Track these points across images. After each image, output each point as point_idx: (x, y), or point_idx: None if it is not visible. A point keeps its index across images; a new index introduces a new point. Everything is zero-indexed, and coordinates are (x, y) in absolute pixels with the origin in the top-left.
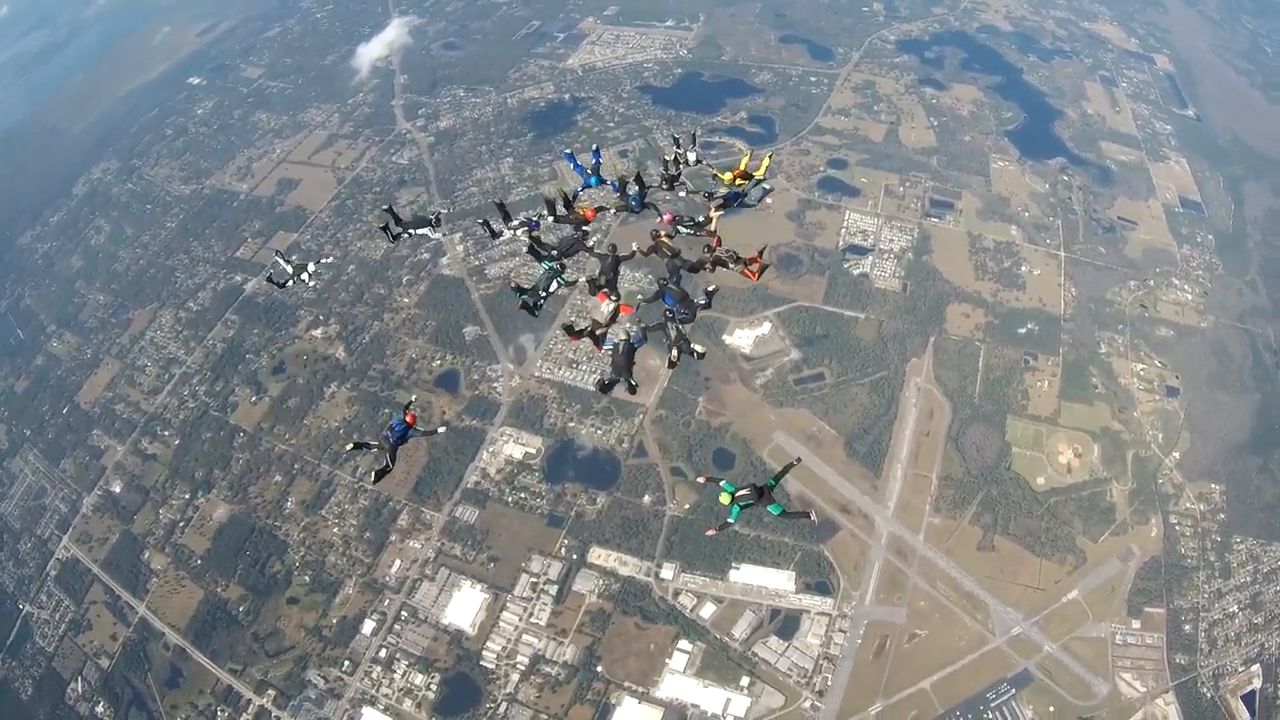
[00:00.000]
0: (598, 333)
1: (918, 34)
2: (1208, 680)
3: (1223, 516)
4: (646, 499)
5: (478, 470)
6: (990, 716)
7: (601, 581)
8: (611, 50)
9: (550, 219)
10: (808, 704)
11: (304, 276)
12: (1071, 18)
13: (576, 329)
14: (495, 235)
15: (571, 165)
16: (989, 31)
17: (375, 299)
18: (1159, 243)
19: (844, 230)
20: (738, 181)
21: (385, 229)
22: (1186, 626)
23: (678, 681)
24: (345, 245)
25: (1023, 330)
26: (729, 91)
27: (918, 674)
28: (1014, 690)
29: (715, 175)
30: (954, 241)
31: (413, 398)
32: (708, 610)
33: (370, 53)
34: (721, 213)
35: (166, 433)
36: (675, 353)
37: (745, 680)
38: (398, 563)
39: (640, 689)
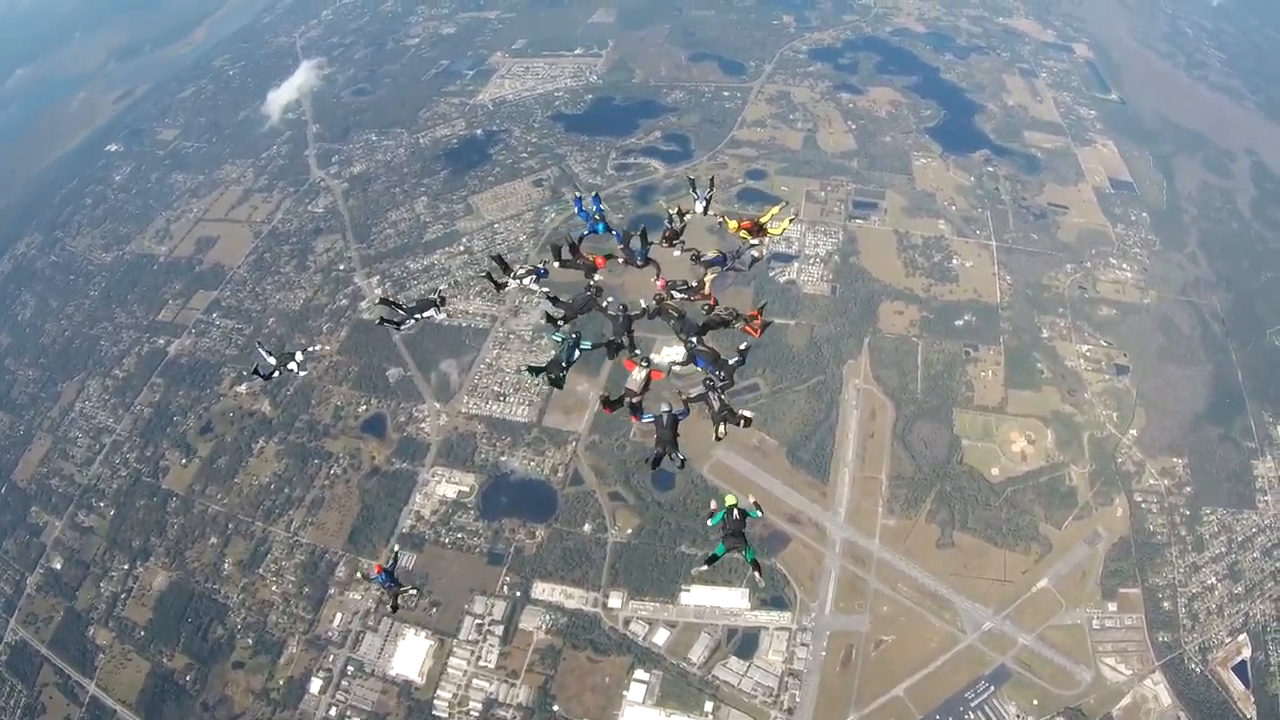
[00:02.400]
0: (633, 402)
1: (830, 42)
2: (1195, 655)
3: (1189, 489)
4: (587, 527)
5: (412, 514)
6: (971, 717)
7: (548, 616)
8: (522, 82)
9: (558, 265)
10: None
11: (291, 366)
12: (986, 15)
13: (611, 400)
14: (500, 287)
15: (577, 210)
16: (902, 34)
17: (297, 349)
18: (1092, 224)
19: (766, 239)
20: (743, 233)
21: (383, 321)
22: (1165, 604)
23: (638, 714)
24: (264, 298)
25: (960, 322)
26: (642, 113)
27: (889, 681)
28: (993, 687)
29: (722, 221)
30: (881, 241)
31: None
32: (661, 636)
33: (280, 98)
34: (714, 276)
35: (101, 504)
36: (722, 427)
37: (709, 705)
38: (339, 616)
39: None
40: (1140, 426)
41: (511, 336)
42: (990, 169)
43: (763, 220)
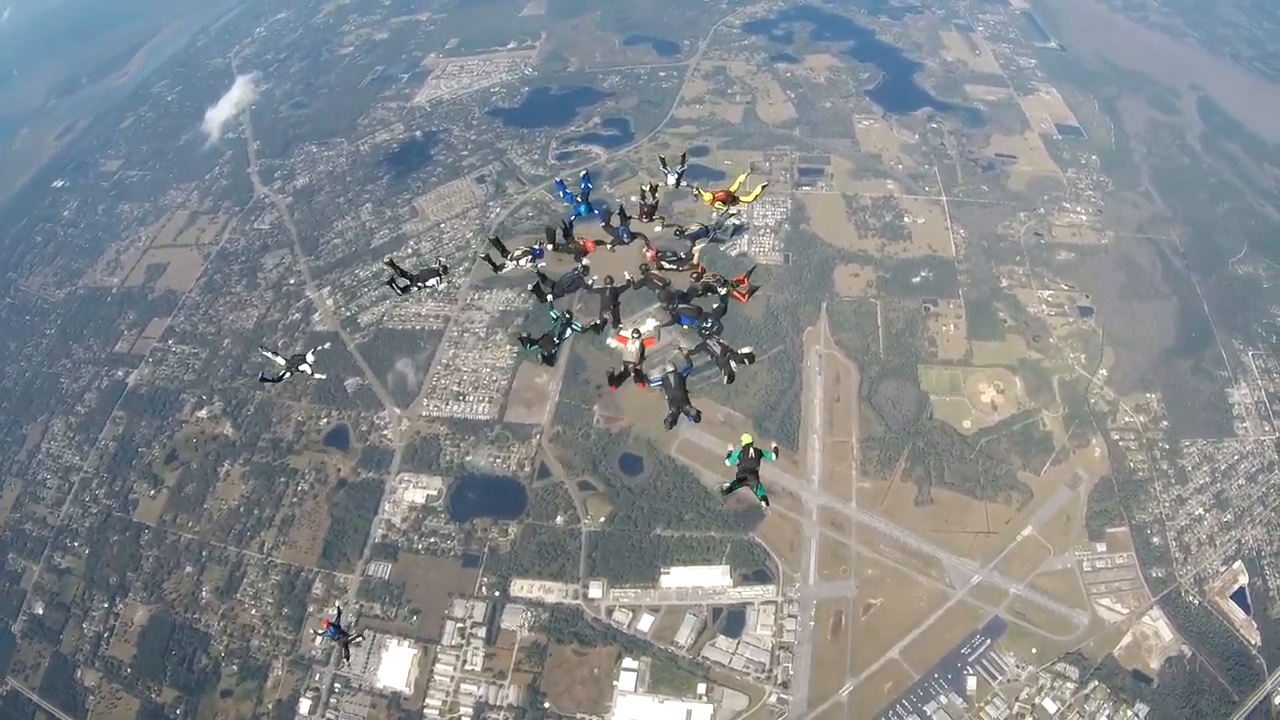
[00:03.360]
0: (636, 370)
1: (763, 14)
2: (1191, 588)
3: (1166, 423)
4: (559, 519)
5: (382, 523)
6: (970, 671)
7: (530, 613)
8: (457, 81)
9: (550, 248)
10: (773, 699)
11: (304, 368)
12: None
13: (615, 376)
14: (497, 269)
15: (561, 194)
16: (836, 1)
17: (254, 367)
18: (1042, 171)
19: (714, 214)
20: (718, 204)
21: (391, 283)
22: (1155, 539)
23: (631, 703)
24: (218, 320)
25: (916, 279)
26: (579, 100)
27: (883, 645)
28: (989, 640)
29: (697, 194)
30: (830, 206)
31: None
32: (646, 622)
33: (218, 116)
34: (700, 247)
35: (76, 543)
36: (729, 367)
37: (702, 687)
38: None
39: (593, 718)
40: (1110, 366)
41: (466, 335)
42: (934, 125)
43: (732, 189)
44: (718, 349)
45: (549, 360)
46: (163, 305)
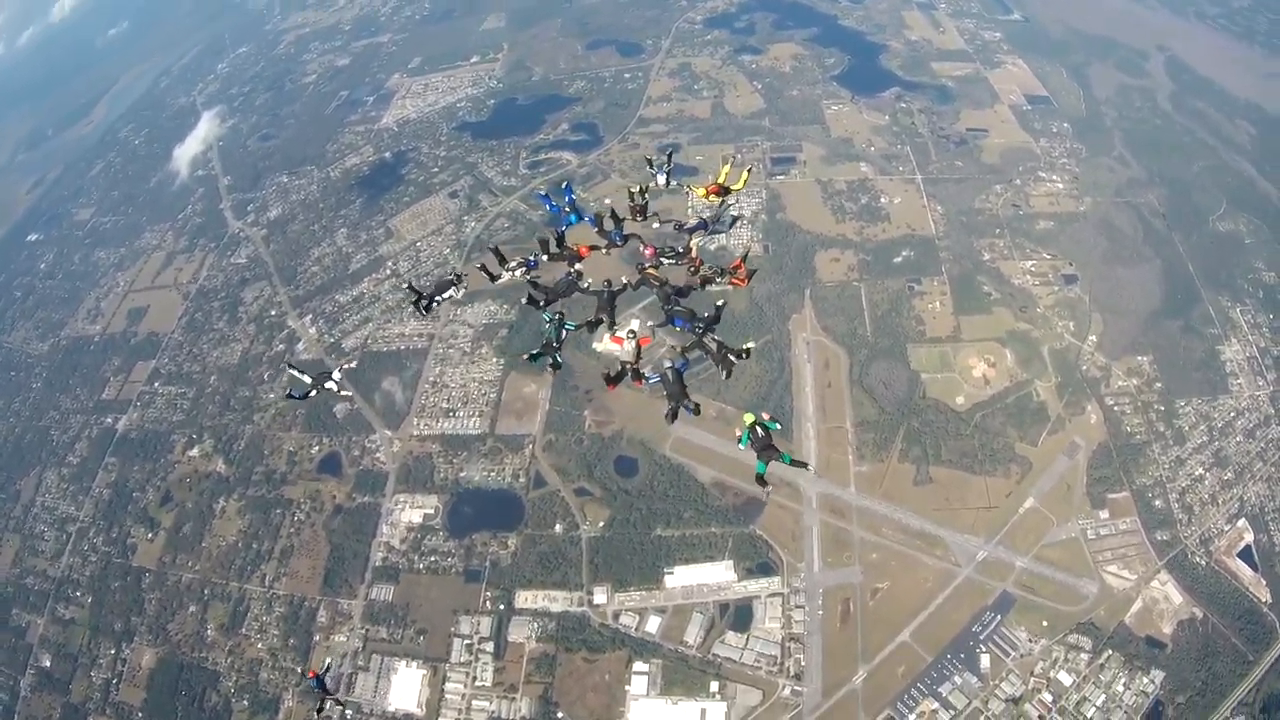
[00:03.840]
0: (633, 368)
1: (724, 8)
2: (1197, 549)
3: (1159, 385)
4: (558, 528)
5: (382, 545)
6: (983, 649)
7: (536, 624)
8: (423, 99)
9: (545, 257)
10: (787, 691)
11: (330, 385)
12: None
13: (612, 376)
14: (494, 279)
15: (547, 206)
16: None
17: (242, 402)
18: (1015, 143)
19: (690, 210)
20: (711, 197)
21: (416, 304)
22: (1157, 502)
23: (645, 706)
24: (202, 358)
25: (898, 259)
26: (546, 108)
27: (893, 629)
28: (999, 616)
29: (689, 191)
30: (805, 193)
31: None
32: (653, 624)
33: (187, 153)
34: (700, 241)
35: (78, 593)
36: (728, 362)
37: (714, 685)
38: (329, 661)
39: None
40: (1099, 331)
41: (451, 351)
42: (903, 105)
43: (722, 181)
44: (713, 345)
45: (556, 365)
46: (146, 348)
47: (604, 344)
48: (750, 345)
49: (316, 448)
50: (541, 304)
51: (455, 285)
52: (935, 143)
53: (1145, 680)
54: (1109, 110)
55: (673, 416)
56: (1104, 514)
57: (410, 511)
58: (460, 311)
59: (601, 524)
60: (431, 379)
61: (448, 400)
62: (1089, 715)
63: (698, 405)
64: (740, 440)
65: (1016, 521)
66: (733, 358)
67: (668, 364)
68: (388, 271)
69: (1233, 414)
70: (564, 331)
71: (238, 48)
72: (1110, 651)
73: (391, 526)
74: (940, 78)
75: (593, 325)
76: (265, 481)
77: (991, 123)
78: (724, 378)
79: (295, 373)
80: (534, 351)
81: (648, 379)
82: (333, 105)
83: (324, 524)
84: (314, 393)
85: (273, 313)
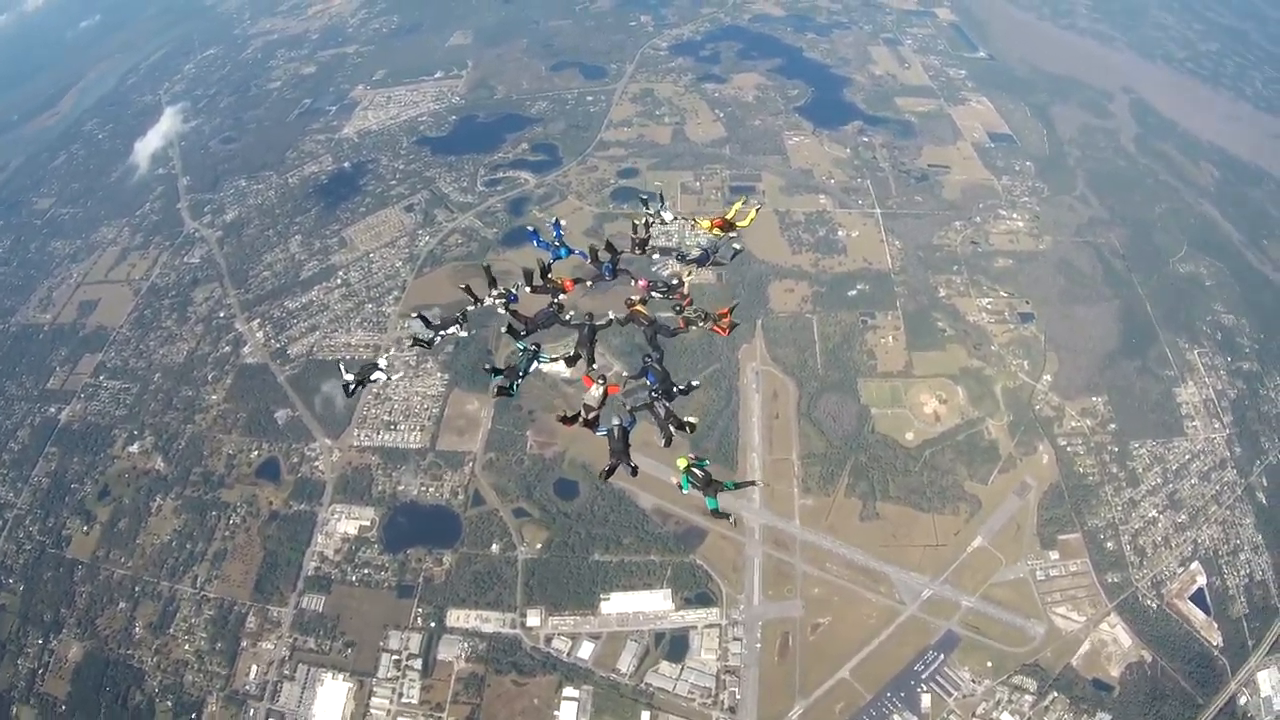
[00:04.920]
0: (590, 417)
1: (690, 35)
2: (1148, 591)
3: (1114, 426)
4: (495, 547)
5: (315, 555)
6: (924, 688)
7: (466, 644)
8: (385, 112)
9: (529, 289)
10: None
11: (377, 376)
12: None
13: (569, 415)
14: (477, 301)
15: (535, 243)
16: (762, 20)
17: (184, 402)
18: (976, 180)
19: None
20: (715, 231)
21: (416, 341)
22: (1108, 544)
23: None
24: (148, 355)
25: (853, 292)
26: (506, 127)
27: (832, 665)
28: (942, 655)
29: (694, 225)
30: (762, 222)
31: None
32: (586, 650)
33: (147, 147)
34: (693, 274)
35: (10, 580)
36: (668, 431)
37: (646, 715)
38: (254, 668)
39: None
40: (1053, 371)
41: (396, 363)
42: (865, 139)
43: (729, 217)
44: (662, 412)
45: (508, 392)
46: (94, 341)
47: (548, 365)
48: (694, 421)
49: (256, 452)
50: (522, 333)
51: (459, 325)
52: (896, 177)
53: None
54: (1072, 149)
55: (608, 474)
56: (1054, 555)
57: (346, 522)
58: (407, 324)
59: (539, 546)
60: (374, 390)
61: (390, 413)
62: None
63: (636, 467)
64: (681, 486)
65: (964, 560)
66: (674, 429)
67: (616, 421)
68: (339, 280)
69: (1188, 456)
70: (535, 364)
71: (205, 49)
72: (1056, 694)
73: (326, 536)
74: (903, 113)
75: (570, 360)
76: (203, 482)
77: (953, 159)
78: (662, 444)
79: (342, 369)
80: (498, 368)
81: (598, 430)
82: (295, 112)
83: (259, 529)
84: (361, 387)
85: (221, 314)
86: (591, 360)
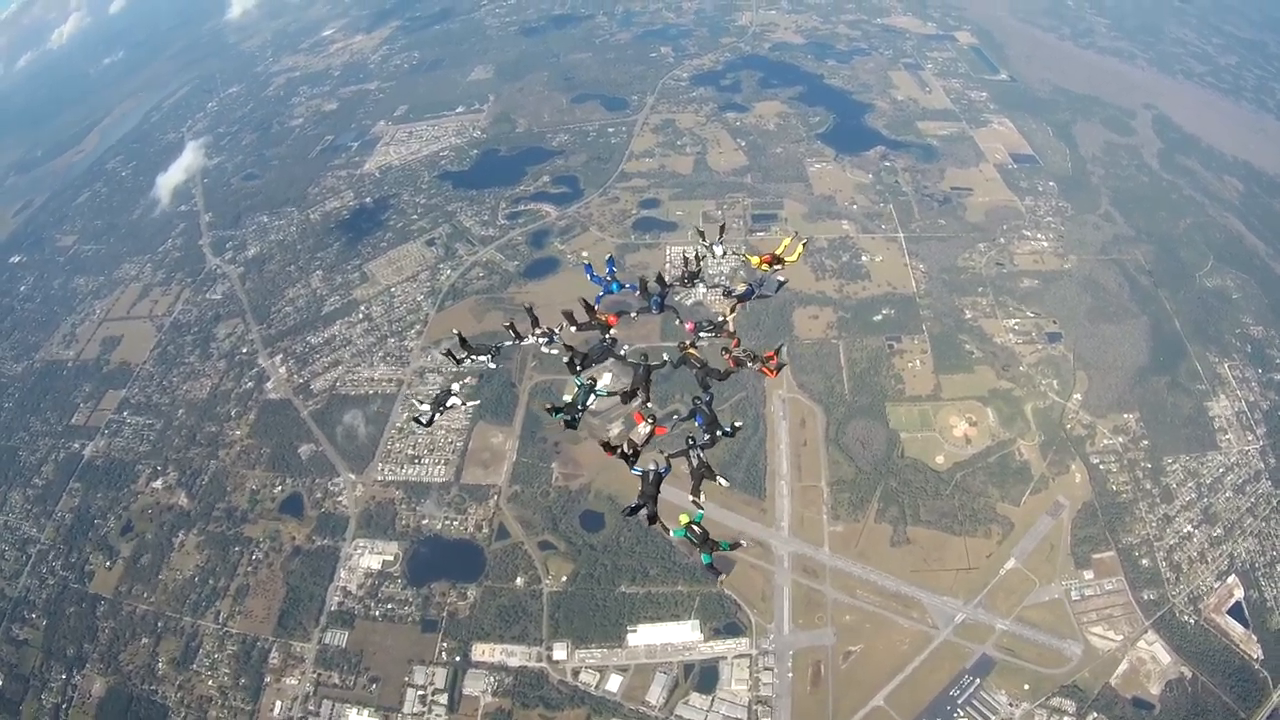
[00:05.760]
0: (631, 452)
1: (710, 66)
2: (1185, 607)
3: (1146, 442)
4: (519, 580)
5: (339, 590)
6: (960, 714)
7: (492, 679)
8: (406, 147)
9: (573, 329)
10: None
11: (454, 402)
12: (864, 17)
13: (612, 445)
14: (519, 338)
15: (589, 276)
16: (782, 48)
17: (208, 438)
18: (999, 201)
19: (668, 265)
20: (763, 266)
21: (449, 354)
22: (1144, 561)
23: None
24: (171, 391)
25: (878, 317)
26: (528, 160)
27: (866, 692)
28: (978, 679)
29: (745, 259)
30: (776, 244)
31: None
32: (614, 683)
33: (169, 181)
34: (736, 312)
35: (33, 615)
36: (699, 480)
37: None
38: (279, 704)
39: None
40: (1084, 389)
41: (420, 399)
42: (887, 164)
43: (779, 252)
44: (695, 462)
45: (572, 425)
46: (118, 377)
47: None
48: (726, 482)
49: (279, 487)
50: (578, 367)
51: (491, 356)
52: (919, 201)
53: None
54: (1095, 168)
55: (633, 512)
56: (1089, 574)
57: (369, 557)
58: (430, 359)
59: (564, 578)
60: (398, 424)
61: (413, 447)
62: None
63: (655, 515)
64: (675, 533)
65: (997, 583)
66: (708, 478)
67: (653, 465)
68: (360, 315)
69: (1222, 470)
70: (592, 396)
71: (228, 87)
72: (1095, 714)
73: (350, 571)
74: (925, 136)
75: (627, 396)
76: (226, 518)
77: (976, 181)
78: (691, 492)
79: (416, 403)
80: (558, 407)
81: (633, 469)
82: (317, 149)
83: (282, 564)
84: (437, 416)
85: (244, 350)
86: (647, 398)
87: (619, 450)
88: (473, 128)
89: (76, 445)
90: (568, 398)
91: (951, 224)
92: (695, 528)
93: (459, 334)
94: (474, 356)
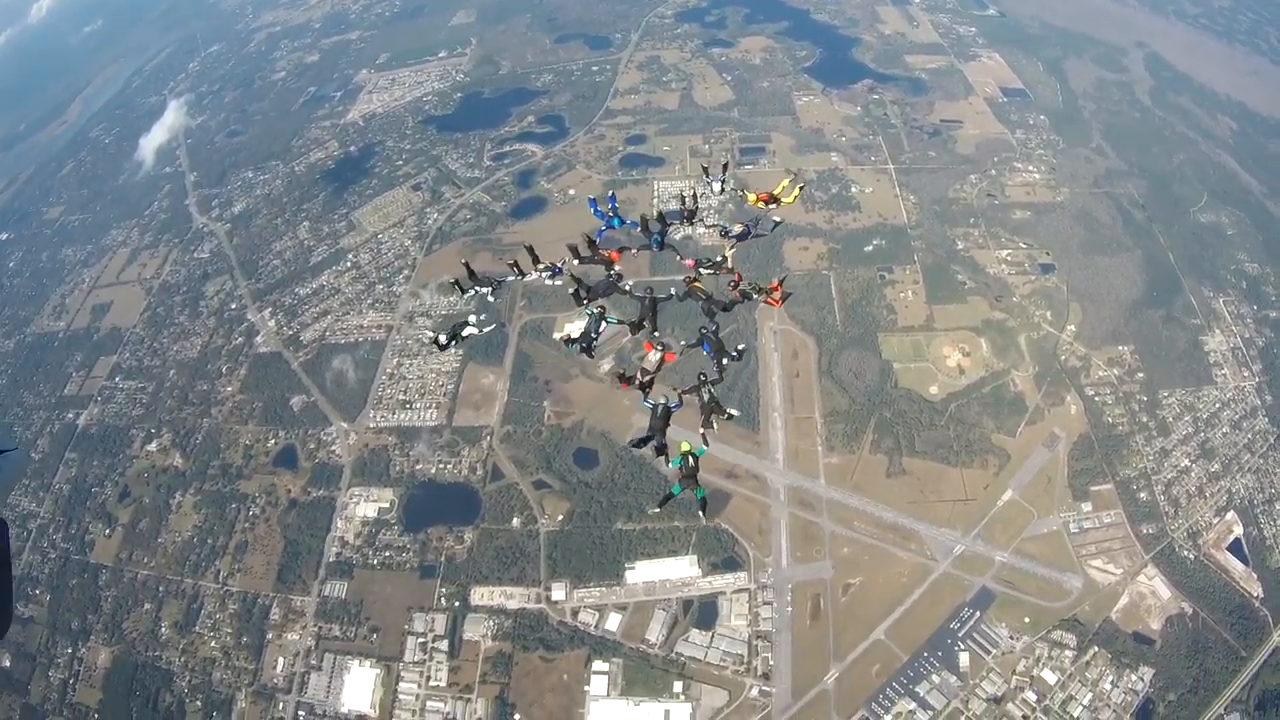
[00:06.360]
0: (645, 380)
1: (695, 2)
2: (1185, 542)
3: (1141, 375)
4: (516, 521)
5: (336, 540)
6: (961, 647)
7: (492, 622)
8: (389, 94)
9: (576, 262)
10: (755, 692)
11: (469, 332)
12: None
13: (626, 376)
14: (522, 275)
15: (593, 210)
16: None
17: (200, 396)
18: (990, 134)
19: (655, 200)
20: (760, 204)
21: (456, 284)
22: (1142, 494)
23: (605, 707)
24: (162, 352)
25: (869, 248)
26: (512, 101)
27: (866, 626)
28: (979, 612)
29: (742, 196)
30: (773, 182)
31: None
32: (613, 622)
33: (152, 142)
34: (734, 249)
35: (37, 590)
36: (710, 413)
37: (678, 685)
38: (281, 660)
39: None
40: (1078, 321)
41: (410, 342)
42: (876, 97)
43: (776, 192)
44: (707, 397)
45: (587, 352)
46: (109, 344)
47: (564, 331)
48: (735, 412)
49: (273, 441)
50: (585, 300)
51: (495, 287)
52: (908, 133)
53: (1134, 678)
54: (1087, 103)
55: (639, 444)
56: (1087, 507)
57: (365, 505)
58: (419, 303)
59: (560, 518)
60: (389, 370)
61: (405, 392)
62: (1075, 714)
63: (665, 447)
64: (672, 461)
65: (995, 514)
66: (716, 415)
67: (663, 399)
68: (348, 263)
69: (1218, 405)
70: (603, 324)
71: (209, 46)
72: (1096, 648)
73: (346, 521)
74: (914, 70)
75: (635, 326)
76: (221, 475)
77: (966, 114)
78: (701, 427)
79: (430, 334)
80: (572, 338)
81: (645, 400)
82: (300, 101)
83: (279, 518)
84: (455, 343)
85: (233, 306)
86: (654, 328)
87: (635, 379)
88: (456, 72)
89: (70, 415)
90: (577, 327)
91: (942, 156)
92: (691, 459)
93: (467, 264)
94: (478, 288)
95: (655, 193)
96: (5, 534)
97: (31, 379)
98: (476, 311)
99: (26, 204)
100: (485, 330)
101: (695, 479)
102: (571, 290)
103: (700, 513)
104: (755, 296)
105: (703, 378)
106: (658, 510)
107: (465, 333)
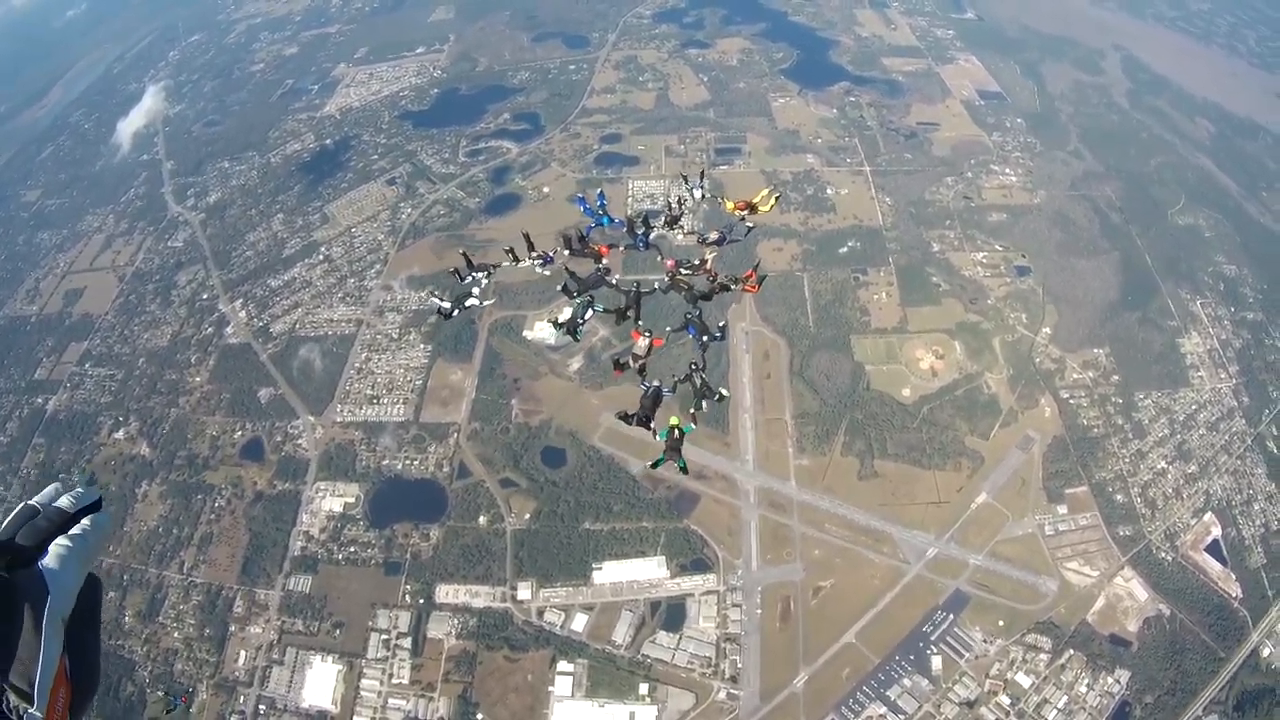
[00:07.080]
0: (638, 366)
1: (673, 3)
2: (1162, 544)
3: (1117, 378)
4: (482, 520)
5: (301, 534)
6: (934, 650)
7: (456, 620)
8: (367, 88)
9: (566, 253)
10: (722, 695)
11: (471, 302)
12: None
13: (621, 362)
14: (516, 261)
15: (582, 209)
16: None
17: (168, 385)
18: (966, 136)
19: (630, 199)
20: (737, 211)
21: (455, 272)
22: (1118, 497)
23: (569, 708)
24: (132, 340)
25: (844, 250)
26: (489, 98)
27: (837, 629)
28: (952, 615)
29: (720, 202)
30: (748, 182)
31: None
32: (579, 622)
33: (129, 126)
34: (715, 253)
35: None
36: (701, 397)
37: (644, 688)
38: (243, 654)
39: None
40: (1053, 323)
41: (378, 337)
42: (852, 99)
43: (754, 201)
44: (698, 381)
45: (572, 334)
46: (80, 329)
47: (534, 331)
48: (726, 392)
49: (240, 432)
50: (575, 292)
51: (489, 272)
52: (884, 135)
53: (1110, 680)
54: (1064, 105)
55: (627, 419)
56: (1062, 509)
57: (331, 500)
58: (390, 298)
59: (527, 516)
60: (357, 365)
61: (372, 387)
62: (1049, 718)
63: (655, 430)
64: (659, 433)
65: (969, 517)
66: (707, 400)
67: (656, 383)
68: (321, 256)
69: (1194, 407)
70: (589, 311)
71: (190, 35)
72: (1072, 651)
73: (311, 515)
74: (891, 72)
75: (620, 316)
76: (188, 466)
77: (943, 117)
78: (692, 410)
79: (437, 300)
80: (561, 321)
81: (641, 384)
82: (278, 93)
83: (244, 511)
84: (456, 312)
85: (204, 296)
86: (638, 318)
87: (626, 365)
88: (433, 68)
89: (40, 400)
90: (566, 312)
91: (918, 158)
92: (678, 433)
93: (465, 254)
94: (474, 274)
95: (630, 192)
96: (99, 592)
97: (2, 362)
98: (477, 281)
99: (4, 186)
100: (486, 304)
101: (679, 451)
102: (560, 286)
103: (683, 473)
104: (734, 287)
105: (694, 366)
106: (650, 467)
107: (468, 303)
